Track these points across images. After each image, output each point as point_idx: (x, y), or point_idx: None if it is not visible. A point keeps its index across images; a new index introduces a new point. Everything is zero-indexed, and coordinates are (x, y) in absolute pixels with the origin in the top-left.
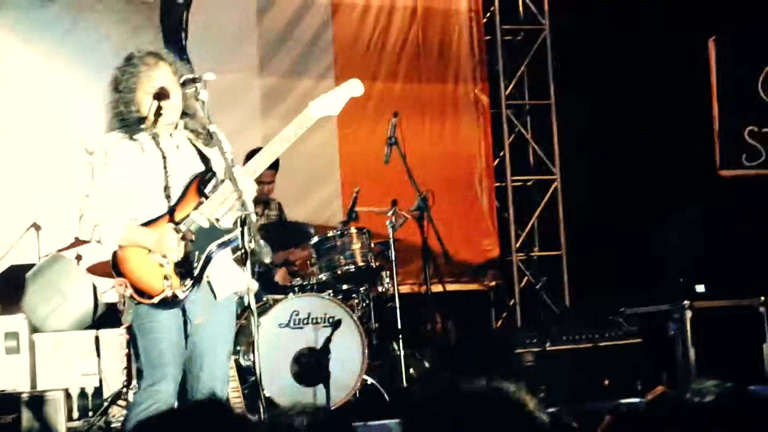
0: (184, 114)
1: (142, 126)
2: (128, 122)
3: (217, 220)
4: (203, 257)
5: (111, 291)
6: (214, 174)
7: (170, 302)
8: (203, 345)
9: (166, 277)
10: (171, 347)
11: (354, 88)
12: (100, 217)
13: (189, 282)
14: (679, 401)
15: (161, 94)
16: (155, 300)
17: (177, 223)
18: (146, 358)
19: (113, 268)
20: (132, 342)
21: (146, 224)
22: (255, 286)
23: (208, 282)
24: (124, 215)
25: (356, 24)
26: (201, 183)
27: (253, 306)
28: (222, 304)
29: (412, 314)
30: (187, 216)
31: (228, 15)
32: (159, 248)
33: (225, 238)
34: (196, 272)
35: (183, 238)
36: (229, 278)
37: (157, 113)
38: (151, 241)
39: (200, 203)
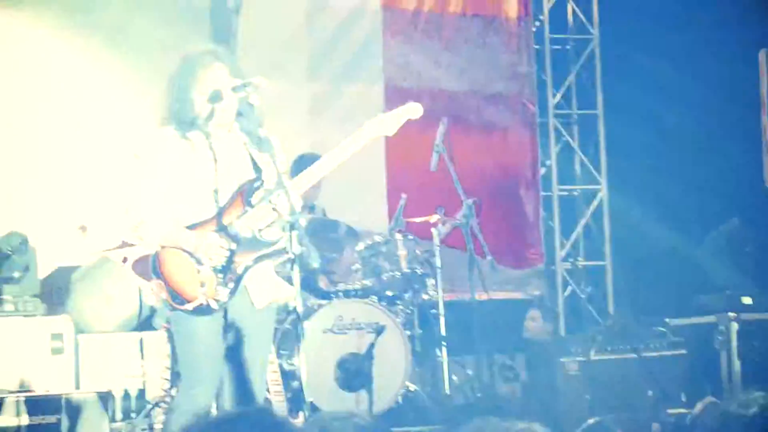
0: (239, 116)
1: (197, 126)
2: (183, 121)
3: (260, 231)
4: (240, 268)
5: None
6: (262, 183)
7: (204, 310)
8: (242, 351)
9: (201, 284)
10: (208, 352)
11: (412, 110)
12: (146, 213)
13: (224, 291)
14: (725, 412)
15: (214, 96)
16: (188, 307)
17: (220, 230)
18: (183, 362)
19: (153, 269)
20: (171, 345)
21: (191, 227)
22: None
23: (246, 290)
24: (169, 215)
25: (407, 28)
26: (249, 191)
27: (299, 310)
28: (262, 312)
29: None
30: (231, 223)
31: (277, 20)
32: (200, 252)
33: (264, 251)
34: (232, 283)
35: (225, 244)
36: (268, 287)
37: (210, 115)
38: (193, 243)
39: (245, 212)
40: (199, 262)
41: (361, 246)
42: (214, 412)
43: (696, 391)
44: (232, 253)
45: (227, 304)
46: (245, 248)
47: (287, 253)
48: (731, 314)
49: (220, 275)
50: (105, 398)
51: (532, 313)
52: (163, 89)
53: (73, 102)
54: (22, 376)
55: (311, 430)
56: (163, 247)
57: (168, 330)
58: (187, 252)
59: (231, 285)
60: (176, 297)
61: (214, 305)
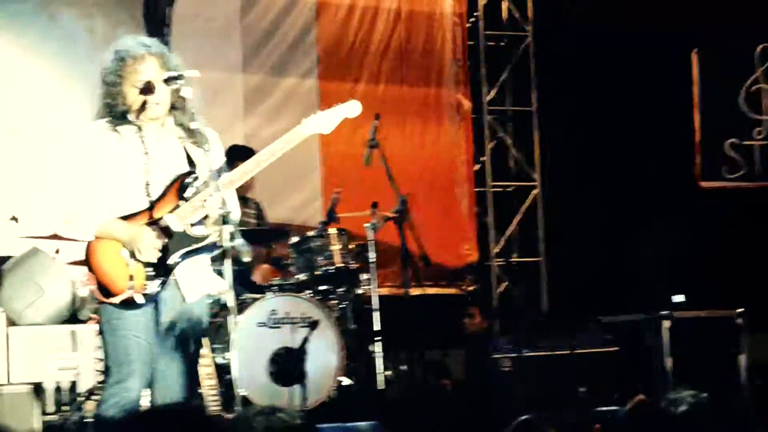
0: (174, 108)
1: (129, 118)
2: (115, 114)
3: (192, 225)
4: (170, 262)
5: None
6: (197, 177)
7: (132, 304)
8: (173, 344)
9: (130, 278)
10: (138, 345)
11: (351, 109)
12: (77, 204)
13: (153, 284)
14: (655, 410)
15: (146, 89)
16: (115, 300)
17: (152, 223)
18: (113, 355)
19: (85, 259)
20: (101, 338)
21: (123, 218)
22: (226, 287)
23: (177, 284)
24: (102, 207)
25: (340, 24)
26: (182, 185)
27: (231, 304)
28: (193, 306)
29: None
30: (161, 217)
31: (211, 11)
32: (133, 244)
33: (193, 246)
34: (161, 276)
35: (158, 238)
36: (200, 281)
37: (142, 107)
38: (126, 235)
39: (177, 206)
40: (131, 254)
41: (294, 239)
42: (145, 405)
43: (628, 388)
44: (163, 247)
45: (157, 298)
46: (176, 242)
47: (218, 248)
48: (663, 312)
49: (150, 269)
50: (36, 391)
51: (470, 310)
52: (95, 82)
53: (5, 92)
54: None
55: (237, 425)
56: (96, 239)
57: (98, 323)
58: (119, 243)
59: (160, 279)
60: (104, 290)
61: (140, 299)
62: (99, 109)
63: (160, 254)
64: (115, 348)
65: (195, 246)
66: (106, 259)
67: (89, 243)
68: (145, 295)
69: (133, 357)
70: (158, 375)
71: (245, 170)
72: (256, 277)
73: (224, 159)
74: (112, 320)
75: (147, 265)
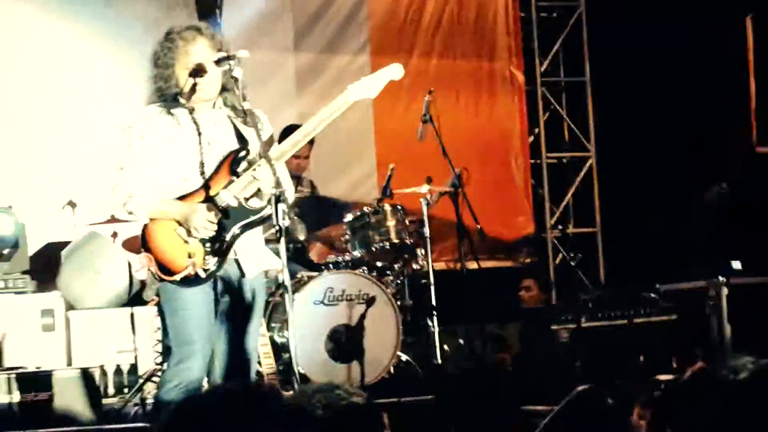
0: (224, 90)
1: (181, 101)
2: (166, 97)
3: (246, 199)
4: (228, 237)
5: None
6: (248, 153)
7: (192, 281)
8: (233, 321)
9: (189, 255)
10: (199, 324)
11: (394, 71)
12: (134, 188)
13: (212, 261)
14: (715, 378)
15: (197, 71)
16: (176, 278)
17: (208, 200)
18: (174, 335)
19: (142, 242)
20: (161, 319)
21: (179, 199)
22: (278, 265)
23: (236, 260)
24: (157, 188)
25: (391, 0)
26: (234, 161)
27: (288, 283)
28: (252, 282)
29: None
30: (217, 194)
31: None
32: (189, 223)
33: (250, 219)
34: (220, 252)
35: (214, 214)
36: (258, 257)
37: (193, 89)
38: (181, 214)
39: (231, 182)
40: (188, 232)
41: (349, 217)
42: (205, 385)
43: (687, 356)
44: (220, 222)
45: (216, 274)
46: (233, 217)
47: (273, 226)
48: (721, 279)
49: (208, 245)
50: (97, 374)
51: (526, 282)
52: (147, 65)
53: (61, 77)
54: (14, 353)
55: (297, 402)
56: (151, 220)
57: (158, 304)
58: (176, 223)
59: (220, 254)
60: (164, 269)
61: (202, 274)
62: (151, 92)
63: (215, 231)
64: (176, 327)
65: (253, 218)
66: (164, 239)
67: (145, 225)
68: (205, 270)
69: (195, 336)
70: (218, 353)
71: (295, 141)
72: (313, 255)
73: (277, 136)
74: (173, 299)
75: (205, 241)
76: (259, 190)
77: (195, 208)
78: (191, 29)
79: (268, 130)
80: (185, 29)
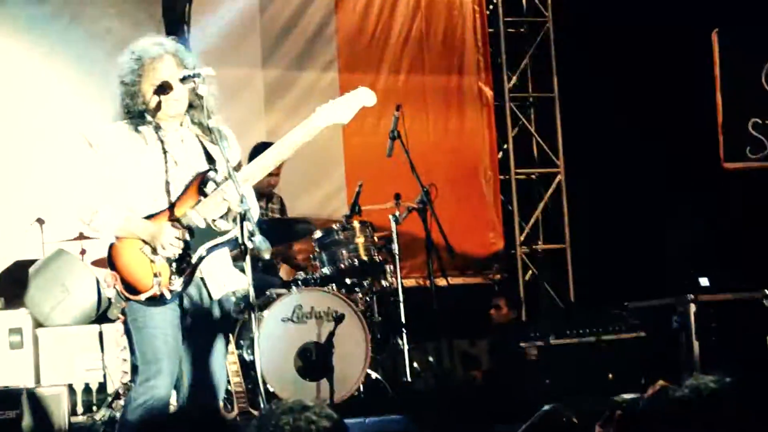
0: (191, 107)
1: (147, 118)
2: (133, 114)
3: (214, 220)
4: (194, 258)
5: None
6: (216, 172)
7: (158, 300)
8: (199, 341)
9: (156, 275)
10: (165, 342)
11: (366, 97)
12: (99, 205)
13: (178, 281)
14: (677, 397)
15: (162, 88)
16: (141, 297)
17: (174, 220)
18: (141, 353)
19: (108, 260)
20: (127, 337)
21: (146, 218)
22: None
23: (202, 280)
24: (124, 206)
25: (360, 15)
26: (202, 182)
27: (253, 300)
28: (218, 303)
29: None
30: (184, 214)
31: (230, 8)
32: (155, 241)
33: (217, 240)
34: (186, 272)
35: (181, 234)
36: (224, 277)
37: (158, 106)
38: (147, 232)
39: (199, 202)
40: (153, 251)
41: (318, 234)
42: (173, 403)
43: (655, 374)
44: (187, 243)
45: (182, 294)
46: (199, 238)
47: (239, 245)
48: (689, 296)
49: (174, 265)
50: (64, 392)
51: (496, 301)
52: (114, 83)
53: (27, 94)
54: None
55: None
56: (117, 239)
57: (125, 322)
58: (142, 241)
59: (186, 275)
60: (130, 288)
61: (167, 295)
62: (118, 109)
63: (182, 250)
64: (142, 346)
65: (219, 240)
66: (130, 258)
67: (112, 244)
68: (171, 291)
69: (161, 355)
70: (185, 372)
71: (263, 164)
72: (282, 273)
73: (240, 156)
74: (139, 318)
75: (171, 261)
76: (229, 210)
77: (161, 226)
78: (156, 45)
79: (236, 148)
80: (151, 45)
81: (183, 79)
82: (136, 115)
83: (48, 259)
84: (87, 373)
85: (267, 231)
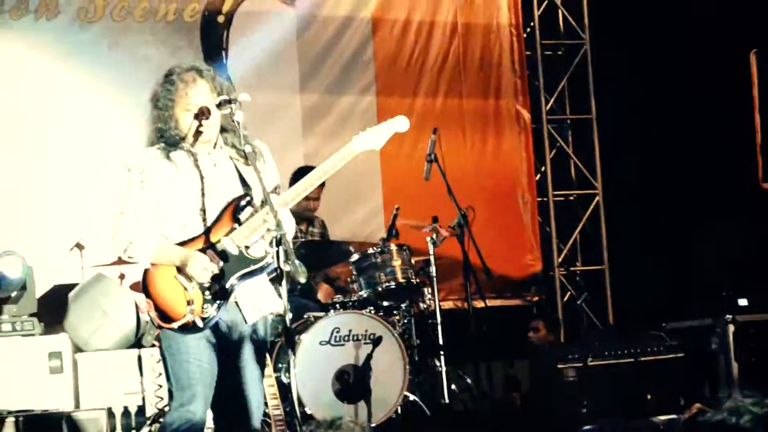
0: (224, 130)
1: (182, 144)
2: (167, 139)
3: (247, 248)
4: (227, 285)
5: None
6: (251, 199)
7: (191, 328)
8: (235, 365)
9: (189, 302)
10: (200, 368)
11: (400, 124)
12: (135, 234)
13: (211, 309)
14: (715, 422)
15: (201, 113)
16: (174, 326)
17: (208, 248)
18: (175, 379)
19: (142, 287)
20: (163, 362)
21: (180, 244)
22: (281, 308)
23: (237, 304)
24: (158, 234)
25: (397, 40)
26: (237, 208)
27: (289, 325)
28: (255, 326)
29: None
30: (218, 241)
31: (268, 33)
32: (186, 268)
33: (250, 268)
34: (219, 300)
35: (212, 261)
36: (260, 301)
37: (198, 132)
38: (180, 259)
39: (233, 229)
40: (188, 279)
41: (356, 257)
42: (210, 426)
43: (694, 395)
44: (221, 270)
45: (218, 320)
46: (233, 265)
47: (275, 269)
48: (728, 316)
49: (208, 293)
50: (104, 416)
51: (535, 323)
52: (147, 108)
53: (67, 120)
54: (21, 396)
55: None
56: (152, 265)
57: (160, 348)
58: (176, 268)
59: (219, 302)
60: (164, 315)
61: (200, 323)
62: (150, 134)
63: (214, 278)
64: (176, 372)
65: (252, 267)
66: (164, 285)
67: (146, 270)
68: (203, 318)
69: (195, 381)
70: (223, 397)
71: (298, 191)
72: (320, 295)
73: (277, 176)
74: (173, 345)
75: (205, 289)
76: (266, 233)
77: (193, 254)
78: (192, 71)
79: (271, 165)
80: (185, 71)
81: (219, 105)
82: (170, 141)
83: (87, 283)
84: (126, 396)
85: (305, 255)
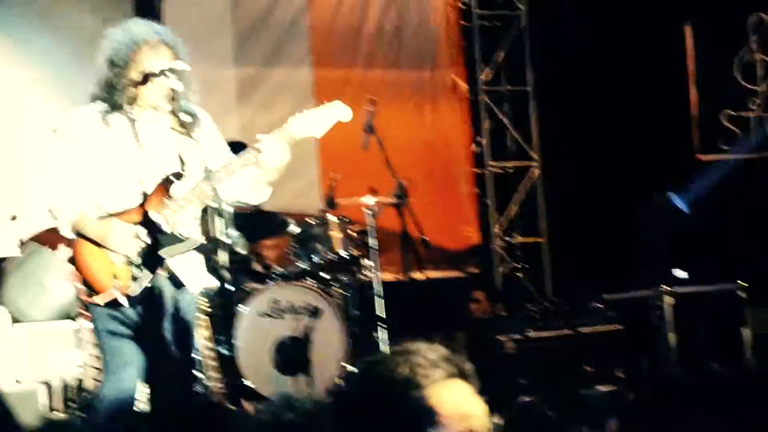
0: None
1: (123, 106)
2: (110, 99)
3: (176, 227)
4: (154, 264)
5: None
6: (183, 173)
7: (114, 305)
8: (166, 338)
9: (115, 276)
10: (129, 341)
11: (341, 112)
12: (57, 200)
13: (136, 286)
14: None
15: (147, 76)
16: (98, 301)
17: (144, 220)
18: (106, 351)
19: (70, 258)
20: (95, 334)
21: (115, 216)
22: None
23: (172, 274)
24: (91, 204)
25: (333, 10)
26: (170, 182)
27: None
28: (182, 298)
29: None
30: (148, 216)
31: (203, 4)
32: (106, 242)
33: (181, 248)
34: (144, 280)
35: (137, 236)
36: (199, 273)
37: (138, 94)
38: (96, 232)
39: (164, 204)
40: (114, 252)
41: (295, 229)
42: (140, 395)
43: (633, 366)
44: (149, 246)
45: (146, 294)
46: (163, 242)
47: (205, 246)
48: (666, 288)
49: (134, 269)
50: (42, 389)
51: (476, 294)
52: (95, 67)
53: (1, 92)
54: None
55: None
56: (79, 236)
57: (92, 320)
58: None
59: (145, 279)
60: (90, 288)
61: (124, 302)
62: (95, 90)
63: (137, 249)
64: (106, 344)
65: (182, 248)
66: (91, 258)
67: (76, 240)
68: (127, 296)
69: (125, 351)
70: (155, 370)
71: (231, 168)
72: (256, 265)
73: (222, 142)
74: (100, 318)
75: (132, 264)
76: (193, 214)
77: (110, 226)
78: (154, 33)
79: (213, 132)
80: (149, 32)
81: (159, 73)
82: (113, 101)
83: (24, 255)
84: (64, 369)
85: (240, 226)
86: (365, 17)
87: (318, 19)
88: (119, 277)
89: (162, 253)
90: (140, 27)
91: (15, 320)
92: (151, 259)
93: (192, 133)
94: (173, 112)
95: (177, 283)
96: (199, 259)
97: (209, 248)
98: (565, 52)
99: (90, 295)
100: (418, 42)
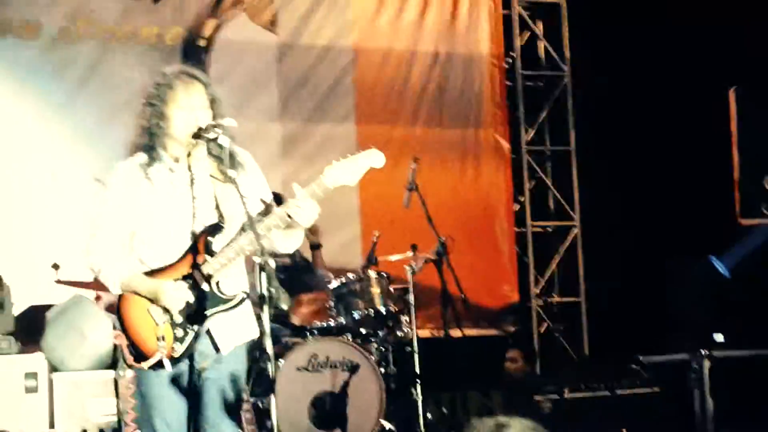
0: (210, 154)
1: (163, 154)
2: (152, 140)
3: (218, 283)
4: (196, 327)
5: None
6: (222, 228)
7: (160, 367)
8: (208, 395)
9: (162, 338)
10: (171, 403)
11: (374, 158)
12: (105, 259)
13: (180, 348)
14: None
15: (196, 134)
16: (144, 366)
17: (185, 278)
18: (145, 411)
19: (116, 315)
20: (135, 387)
21: (151, 273)
22: (256, 333)
23: (210, 335)
24: (134, 259)
25: (377, 68)
26: (210, 236)
27: (269, 351)
28: (228, 356)
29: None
30: (192, 272)
31: (248, 59)
32: (159, 301)
33: (221, 308)
34: (187, 341)
35: (182, 291)
36: (234, 330)
37: (178, 132)
38: (149, 291)
39: (206, 261)
40: (161, 312)
41: (334, 284)
42: None
43: (669, 429)
44: (190, 306)
45: (189, 355)
46: (203, 302)
47: (247, 300)
48: (704, 351)
49: (177, 331)
50: None
51: (512, 354)
52: (138, 113)
53: (46, 140)
54: None
55: None
56: (124, 295)
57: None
58: (149, 301)
59: (188, 341)
60: (136, 350)
61: (169, 367)
62: (134, 138)
63: (184, 313)
64: (146, 406)
65: (223, 307)
66: (137, 318)
67: (120, 296)
68: (172, 358)
69: (168, 415)
70: (201, 428)
71: (272, 223)
72: (296, 320)
73: (266, 186)
74: (144, 379)
75: (175, 326)
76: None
77: (162, 285)
78: (188, 74)
79: (257, 177)
80: (181, 72)
81: (205, 129)
82: (153, 146)
83: (65, 304)
84: (102, 418)
85: (282, 280)
86: (409, 75)
87: (362, 76)
88: (164, 339)
89: (205, 310)
90: (174, 69)
91: (54, 369)
92: (193, 318)
93: (236, 177)
94: (215, 156)
95: (214, 345)
96: (242, 311)
97: (254, 302)
98: (608, 112)
99: (136, 358)
100: (461, 101)
